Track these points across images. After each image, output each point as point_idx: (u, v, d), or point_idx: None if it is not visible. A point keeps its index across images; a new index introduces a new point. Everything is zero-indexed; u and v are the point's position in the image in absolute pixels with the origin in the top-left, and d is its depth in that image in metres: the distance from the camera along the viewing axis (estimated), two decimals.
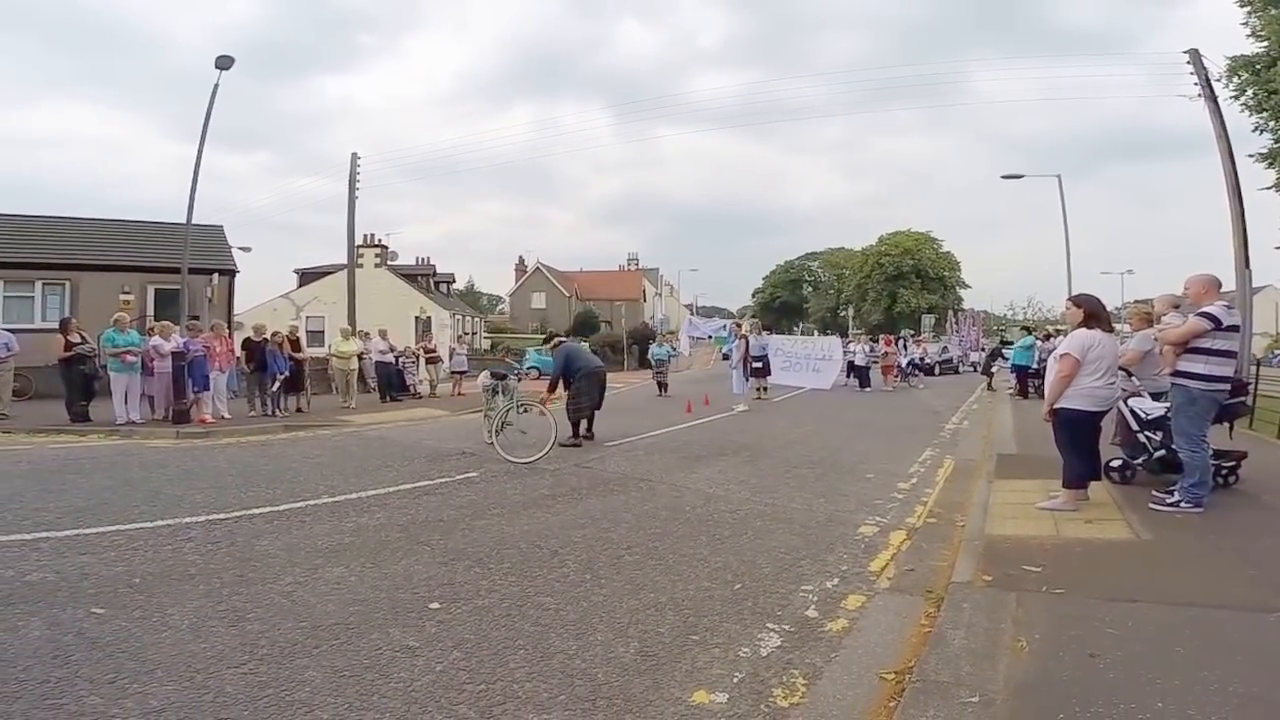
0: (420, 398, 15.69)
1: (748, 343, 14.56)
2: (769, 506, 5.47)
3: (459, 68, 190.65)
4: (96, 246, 17.23)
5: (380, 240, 37.61)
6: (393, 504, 5.37)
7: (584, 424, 8.86)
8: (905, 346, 23.60)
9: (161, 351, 10.21)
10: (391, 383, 15.30)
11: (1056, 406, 4.74)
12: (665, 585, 3.66)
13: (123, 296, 14.89)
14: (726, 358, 21.59)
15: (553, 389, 8.78)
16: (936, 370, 25.61)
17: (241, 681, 2.52)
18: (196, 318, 12.36)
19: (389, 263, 37.97)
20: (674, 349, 21.49)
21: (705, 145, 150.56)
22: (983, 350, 31.62)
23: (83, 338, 10.43)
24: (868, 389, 18.63)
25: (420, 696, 2.46)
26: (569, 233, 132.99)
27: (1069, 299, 5.16)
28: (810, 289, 75.01)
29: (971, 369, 29.27)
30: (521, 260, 63.46)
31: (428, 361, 17.15)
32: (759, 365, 16.15)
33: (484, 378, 9.18)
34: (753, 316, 31.92)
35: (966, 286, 58.97)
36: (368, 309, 21.42)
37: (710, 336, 23.90)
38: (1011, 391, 15.83)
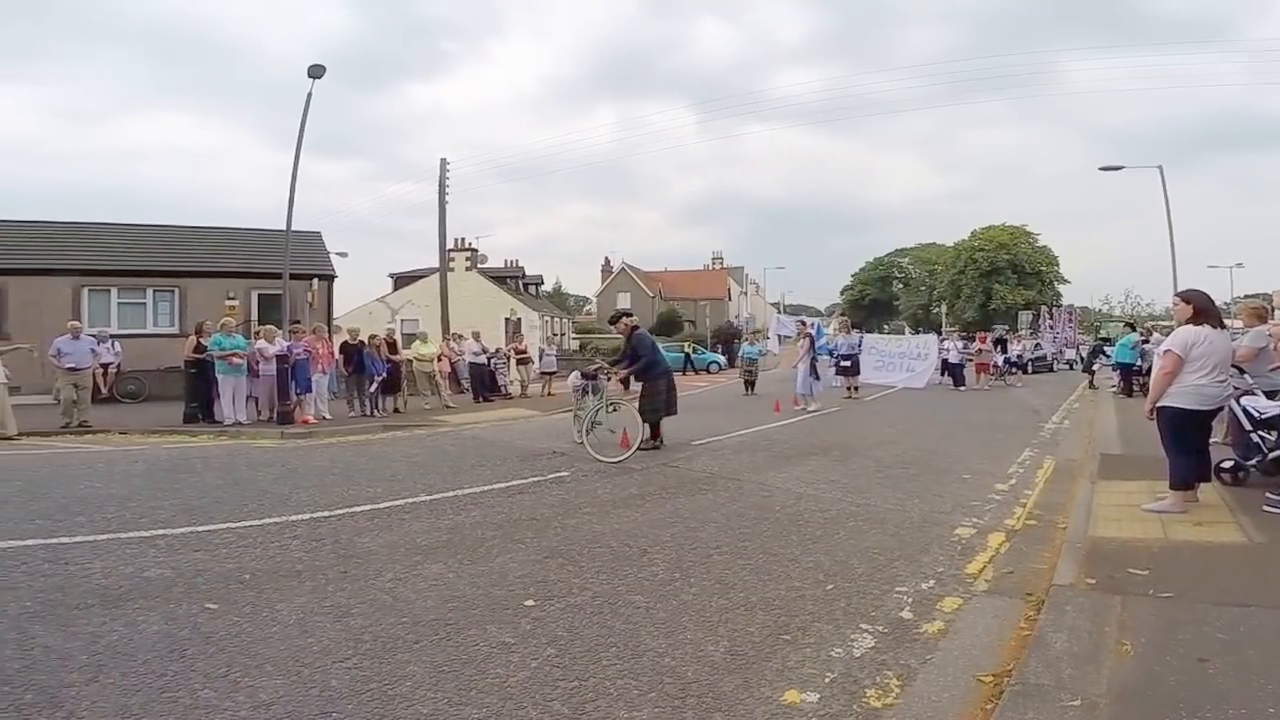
0: (511, 398, 16.05)
1: (811, 341, 13.70)
2: (861, 507, 5.29)
3: (542, 71, 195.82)
4: (202, 254, 18.15)
5: (470, 244, 38.91)
6: (487, 502, 5.45)
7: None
8: (1005, 344, 22.23)
9: (266, 354, 10.78)
10: (484, 383, 15.76)
11: (1159, 405, 4.54)
12: (755, 585, 3.59)
13: (228, 302, 15.79)
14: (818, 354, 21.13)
15: (636, 376, 8.18)
16: (1030, 368, 24.21)
17: (346, 676, 2.57)
18: (298, 322, 13.08)
19: (479, 266, 39.30)
20: (764, 348, 21.05)
21: (788, 142, 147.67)
22: (1079, 347, 29.56)
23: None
24: (962, 388, 17.77)
25: (515, 693, 2.46)
26: (653, 232, 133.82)
27: (1177, 294, 4.91)
28: (901, 286, 72.16)
29: (1067, 367, 27.71)
30: (607, 261, 64.32)
31: (518, 362, 17.55)
32: (847, 364, 15.65)
33: (574, 378, 9.13)
34: (841, 314, 30.97)
35: (1065, 281, 55.17)
36: (459, 311, 22.24)
37: (790, 336, 23.36)
38: (1115, 389, 14.97)
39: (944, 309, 55.39)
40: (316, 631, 2.97)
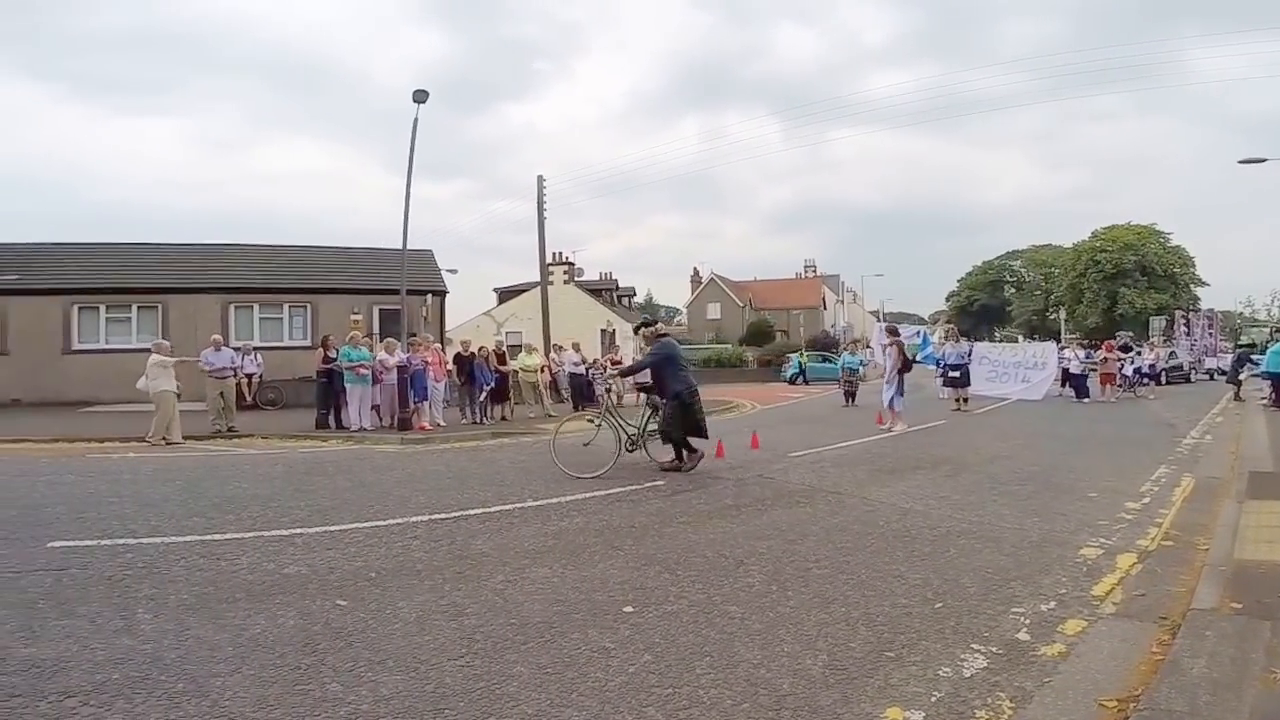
0: None
1: (900, 350, 12.05)
2: (974, 524, 5.02)
3: (626, 86, 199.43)
4: (330, 272, 19.97)
5: (567, 258, 40.21)
6: (589, 509, 5.60)
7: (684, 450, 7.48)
8: (1136, 352, 20.32)
9: (387, 365, 11.66)
10: (582, 393, 16.20)
11: None
12: (857, 600, 3.50)
13: (353, 316, 17.14)
14: (923, 364, 20.10)
15: (654, 389, 7.68)
16: (1163, 379, 21.91)
17: (459, 674, 2.69)
18: (415, 334, 13.98)
19: (575, 279, 40.47)
20: (865, 358, 20.32)
21: (880, 145, 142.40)
22: (1220, 355, 26.49)
23: (337, 353, 12.27)
24: (1085, 400, 16.38)
25: (613, 697, 2.52)
26: (741, 242, 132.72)
27: None
28: (1013, 290, 67.51)
29: (1207, 377, 25.03)
30: (696, 272, 64.40)
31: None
32: (956, 375, 14.88)
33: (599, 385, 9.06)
34: (947, 322, 29.45)
35: (1203, 284, 49.67)
36: (558, 323, 22.99)
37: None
38: (1265, 402, 13.54)
39: (1062, 315, 51.33)
40: (433, 629, 3.13)
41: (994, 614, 3.32)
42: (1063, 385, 17.41)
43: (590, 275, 44.35)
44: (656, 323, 8.36)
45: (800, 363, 30.97)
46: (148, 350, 11.11)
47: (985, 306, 66.46)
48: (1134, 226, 50.13)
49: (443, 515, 5.32)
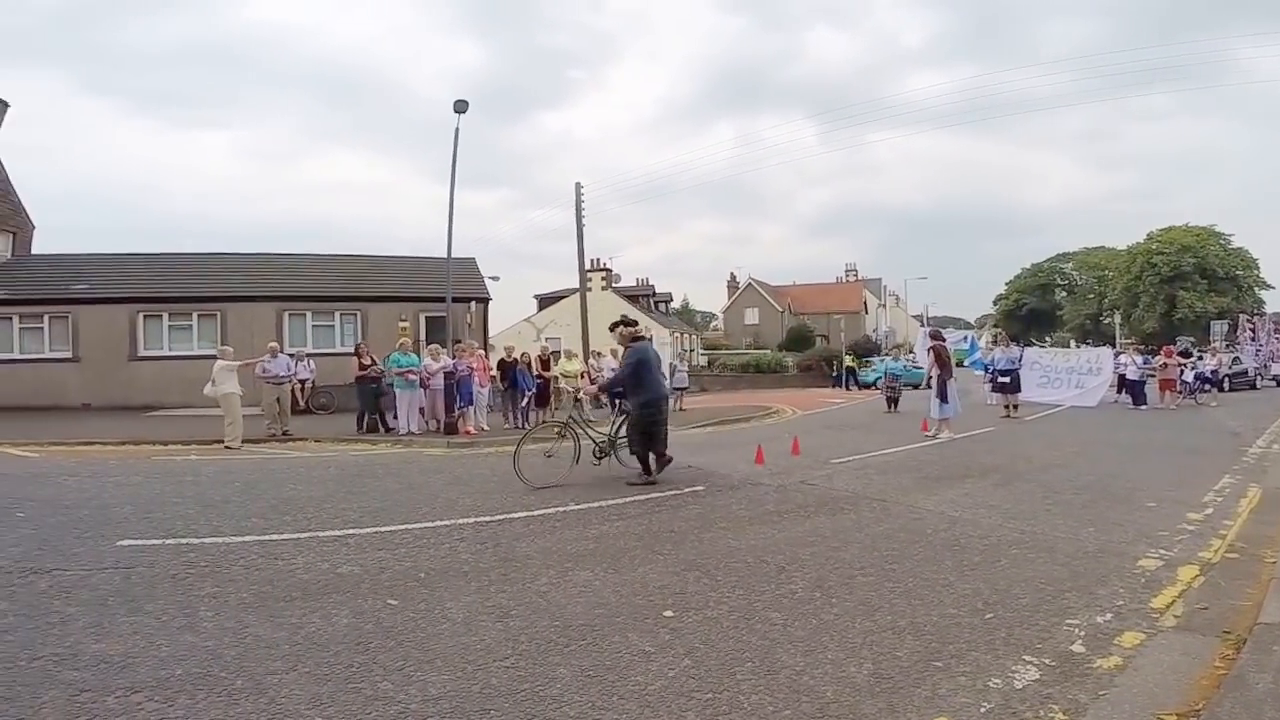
0: None
1: (938, 355, 11.38)
2: (1026, 534, 4.88)
3: (659, 93, 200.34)
4: (379, 280, 20.56)
5: (605, 264, 40.58)
6: (629, 514, 5.63)
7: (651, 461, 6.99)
8: (1198, 357, 19.42)
9: (431, 370, 11.95)
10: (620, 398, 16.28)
11: None
12: (904, 609, 3.44)
13: (401, 324, 17.65)
14: (970, 369, 19.55)
15: (622, 396, 7.06)
16: (1226, 385, 20.92)
17: (504, 675, 2.73)
18: (459, 341, 14.27)
19: (613, 285, 40.73)
20: (908, 363, 19.89)
21: (922, 146, 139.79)
22: None
23: (373, 359, 12.66)
24: (1143, 407, 15.69)
25: (653, 701, 2.53)
26: (779, 246, 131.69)
27: None
28: (1064, 294, 65.14)
29: (1274, 384, 24.06)
30: (733, 277, 64.15)
31: None
32: (1006, 380, 14.44)
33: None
34: (995, 326, 28.59)
35: (1268, 287, 47.23)
36: (596, 330, 23.09)
37: (950, 349, 21.99)
38: None
39: (1117, 319, 49.36)
40: (480, 630, 3.19)
41: (1047, 625, 3.24)
42: (1119, 392, 16.78)
43: (627, 281, 44.66)
44: (635, 323, 7.63)
45: (850, 367, 30.44)
46: (209, 356, 11.62)
47: (1034, 310, 64.25)
48: (1192, 228, 48.05)
49: (488, 518, 5.41)
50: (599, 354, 16.83)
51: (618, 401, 7.23)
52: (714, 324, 68.73)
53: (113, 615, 3.33)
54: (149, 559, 4.27)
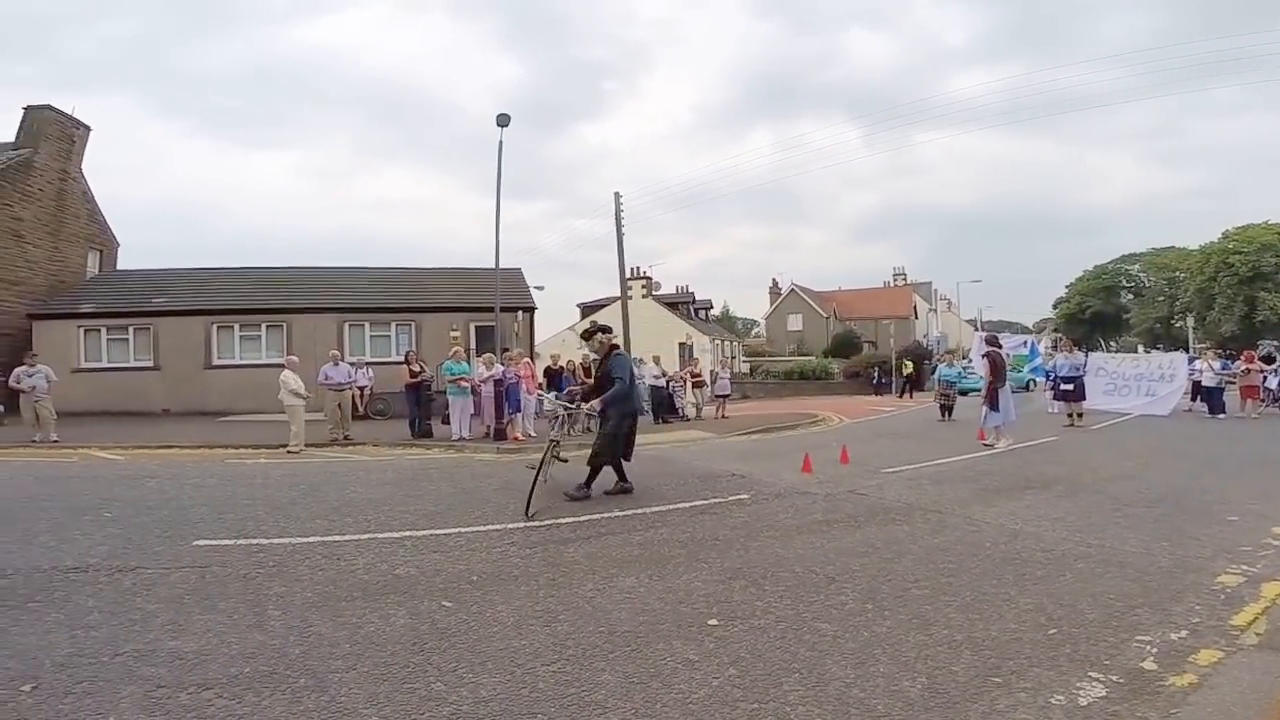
0: (688, 420, 16.45)
1: (994, 362, 10.85)
2: (1093, 548, 4.68)
3: (694, 100, 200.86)
4: (431, 291, 21.38)
5: (645, 272, 40.72)
6: (673, 521, 5.64)
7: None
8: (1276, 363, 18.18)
9: (482, 378, 12.31)
10: (662, 405, 16.31)
11: None
12: (961, 623, 3.34)
13: (452, 333, 18.17)
14: (1031, 377, 18.77)
15: (611, 403, 6.47)
16: None
17: (552, 679, 2.77)
18: (507, 349, 14.58)
19: (653, 293, 40.83)
20: (964, 370, 19.26)
21: (971, 146, 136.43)
22: None
23: (422, 367, 13.06)
24: (1221, 415, 14.78)
25: (697, 709, 2.52)
26: (822, 251, 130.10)
27: None
28: (1131, 296, 61.99)
29: None
30: (775, 283, 63.38)
31: (694, 385, 17.94)
32: (1069, 388, 13.83)
33: (550, 400, 7.41)
34: (1055, 331, 27.37)
35: None
36: (637, 337, 23.29)
37: (1009, 355, 21.24)
38: None
39: (1190, 322, 46.67)
40: (529, 634, 3.24)
41: (1116, 642, 3.11)
42: (1193, 399, 15.85)
43: (667, 288, 44.66)
44: (610, 329, 7.19)
45: (908, 376, 29.63)
46: (276, 365, 12.21)
47: (1099, 314, 61.29)
48: (1272, 225, 44.96)
49: (536, 523, 5.51)
50: (640, 361, 16.91)
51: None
52: (756, 330, 68.05)
53: (188, 613, 3.51)
54: (222, 559, 4.51)
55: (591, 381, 7.17)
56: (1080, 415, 13.66)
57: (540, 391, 13.20)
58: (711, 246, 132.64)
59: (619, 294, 23.87)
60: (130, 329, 19.13)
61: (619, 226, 22.86)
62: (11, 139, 19.18)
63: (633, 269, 37.93)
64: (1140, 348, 41.64)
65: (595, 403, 6.24)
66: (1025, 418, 12.75)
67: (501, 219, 17.98)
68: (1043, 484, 7.16)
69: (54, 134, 19.96)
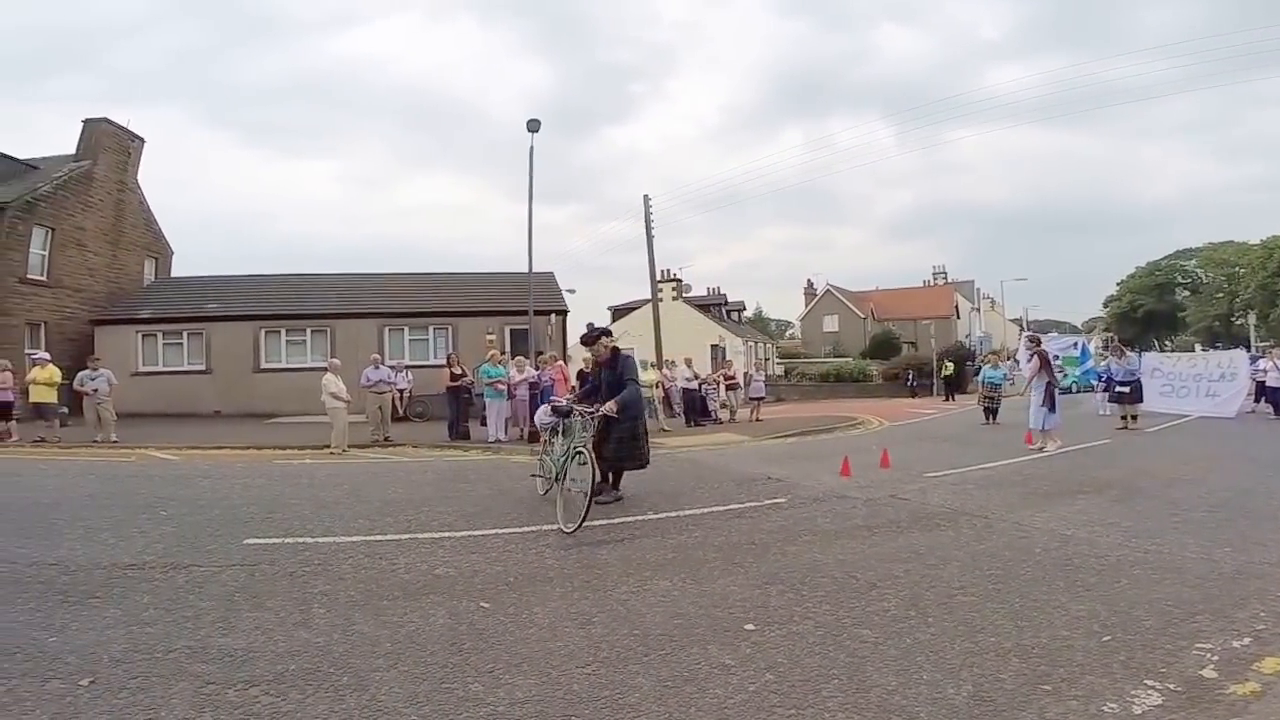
0: (721, 423, 16.33)
1: (1044, 359, 10.61)
2: (1150, 554, 4.51)
3: (722, 101, 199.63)
4: (467, 296, 21.73)
5: (675, 274, 40.62)
6: (707, 524, 5.61)
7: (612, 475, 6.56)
8: None
9: (515, 380, 12.47)
10: (695, 408, 16.24)
11: None
12: (1009, 630, 3.24)
13: (488, 336, 18.36)
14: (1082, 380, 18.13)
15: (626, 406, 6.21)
16: None
17: (586, 681, 2.77)
18: (541, 352, 14.72)
19: (684, 295, 40.69)
20: (1010, 372, 18.67)
21: (1011, 142, 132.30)
22: None
23: (464, 370, 13.26)
24: None
25: (732, 715, 2.49)
26: (858, 251, 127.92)
27: None
28: (1187, 294, 59.44)
29: None
30: (810, 284, 62.63)
31: (727, 388, 17.82)
32: (1124, 390, 13.27)
33: (543, 412, 7.01)
34: (1106, 330, 26.30)
35: None
36: (668, 339, 23.19)
37: (1057, 357, 20.48)
38: None
39: (1252, 319, 44.44)
40: (564, 636, 3.25)
41: (1174, 649, 3.00)
42: (1257, 400, 15.10)
43: (698, 291, 44.54)
44: (610, 333, 7.00)
45: (947, 376, 28.91)
46: (320, 369, 12.57)
47: (1152, 312, 58.93)
48: None
49: (571, 525, 5.50)
50: (672, 364, 16.87)
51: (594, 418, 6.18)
52: (790, 332, 67.31)
53: (238, 610, 3.60)
54: (270, 557, 4.63)
55: (585, 387, 6.98)
56: (1135, 418, 13.14)
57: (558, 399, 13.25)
58: (742, 248, 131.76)
59: (649, 296, 23.83)
60: (184, 334, 19.90)
61: (649, 229, 22.86)
62: (72, 151, 20.07)
63: (663, 271, 37.87)
64: (1198, 347, 39.72)
65: (611, 405, 6.04)
66: (1076, 420, 12.36)
67: (536, 223, 18.38)
68: (1096, 488, 6.92)
69: (111, 146, 20.84)
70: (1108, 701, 2.54)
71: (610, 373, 6.51)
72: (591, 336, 6.82)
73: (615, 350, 6.72)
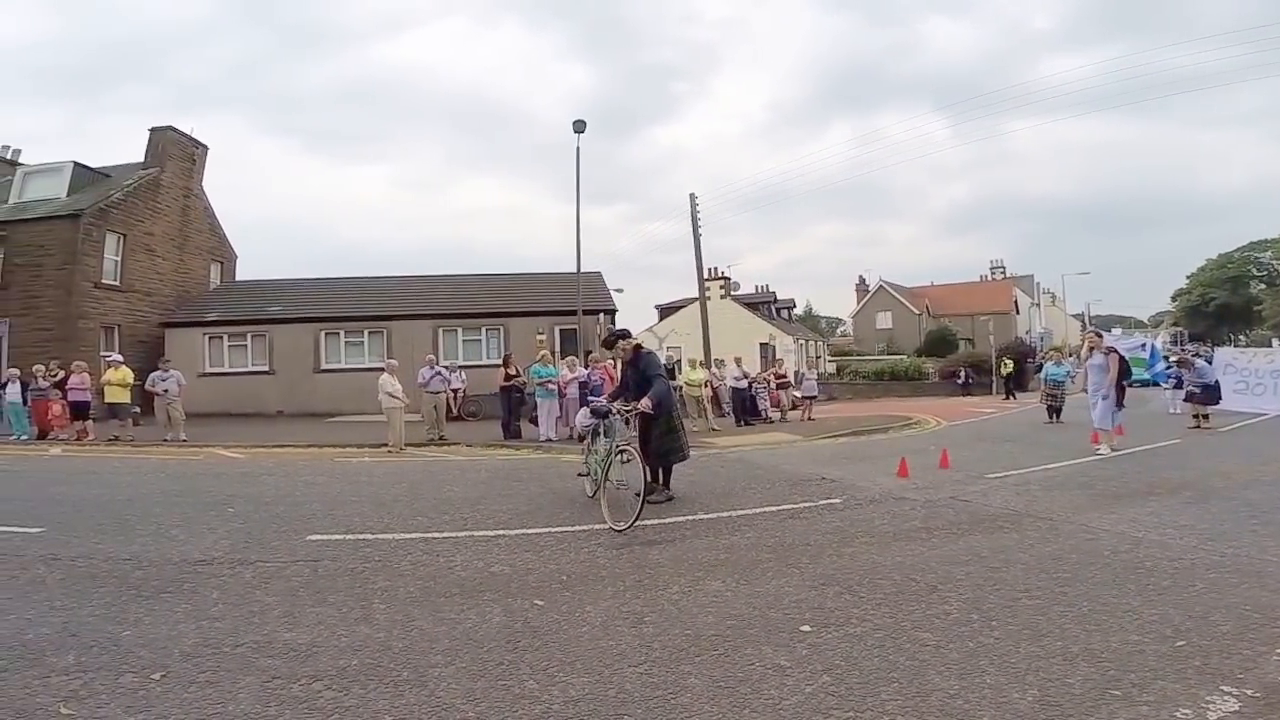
0: (771, 422, 16.14)
1: (1120, 359, 10.04)
2: (1226, 557, 4.30)
3: (766, 99, 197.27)
4: (518, 297, 22.16)
5: (722, 273, 40.33)
6: (760, 525, 5.55)
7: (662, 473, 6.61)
8: None
9: (565, 380, 12.64)
10: (744, 408, 16.09)
11: None
12: (1077, 634, 3.13)
13: (538, 337, 18.70)
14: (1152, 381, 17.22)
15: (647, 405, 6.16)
16: None
17: (638, 680, 2.77)
18: (590, 352, 14.84)
19: (732, 293, 40.38)
20: (1074, 369, 17.89)
21: (1070, 133, 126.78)
22: None
23: (517, 370, 13.47)
24: None
25: (788, 716, 2.46)
26: (911, 246, 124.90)
27: None
28: (1262, 286, 55.88)
29: None
30: (862, 280, 61.35)
31: (778, 386, 17.59)
32: (1197, 391, 12.54)
33: (582, 415, 6.98)
34: (1174, 325, 24.92)
35: None
36: (716, 338, 23.04)
37: (1124, 355, 19.46)
38: None
39: None
40: (616, 634, 3.26)
41: (1252, 655, 2.87)
42: None
43: (746, 289, 44.18)
44: (629, 334, 7.09)
45: (1006, 375, 27.86)
46: (378, 369, 12.95)
47: (1224, 306, 55.61)
48: None
49: (622, 524, 5.50)
50: (721, 362, 16.73)
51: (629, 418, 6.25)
52: (842, 329, 66.05)
53: (302, 606, 3.70)
54: (332, 553, 4.79)
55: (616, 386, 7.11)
56: (1207, 417, 12.43)
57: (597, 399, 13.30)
58: (791, 245, 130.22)
59: (697, 295, 23.72)
60: (249, 336, 20.79)
61: (695, 227, 22.75)
62: (140, 160, 21.15)
63: (710, 269, 37.68)
64: (1275, 341, 37.35)
65: (646, 400, 6.08)
66: (1145, 419, 11.77)
67: (584, 224, 18.58)
68: (1168, 490, 6.60)
69: (177, 154, 21.88)
70: (1181, 707, 2.45)
71: (635, 370, 6.63)
72: (610, 340, 7.06)
73: (637, 348, 6.83)
